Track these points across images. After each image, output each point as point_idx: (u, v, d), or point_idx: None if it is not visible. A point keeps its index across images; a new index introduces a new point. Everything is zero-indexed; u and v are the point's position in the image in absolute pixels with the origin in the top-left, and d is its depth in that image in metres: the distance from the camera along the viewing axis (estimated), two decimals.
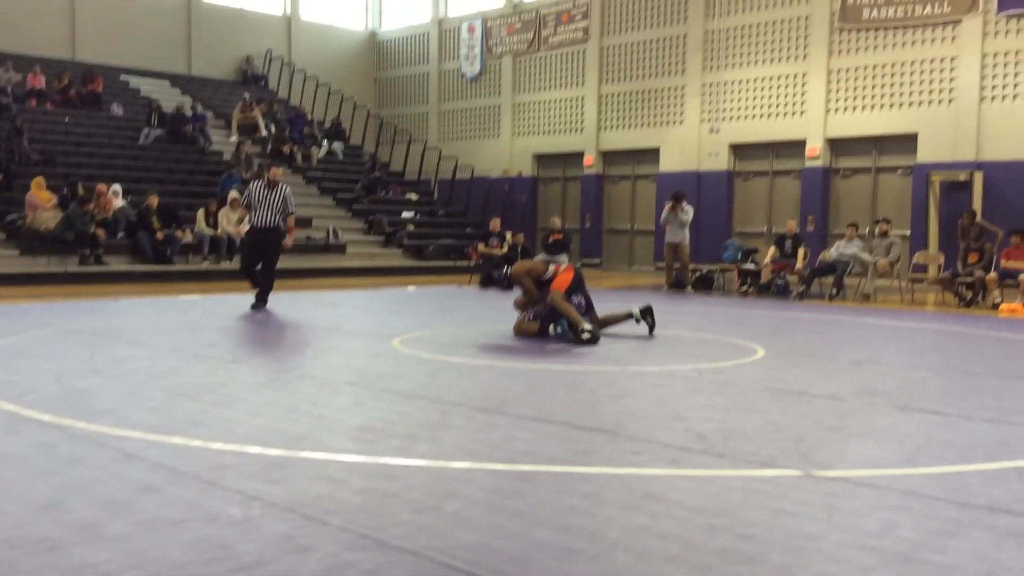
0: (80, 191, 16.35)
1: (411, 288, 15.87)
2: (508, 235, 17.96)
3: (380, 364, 7.23)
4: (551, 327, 8.77)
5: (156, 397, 5.63)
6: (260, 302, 11.29)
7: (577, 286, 8.95)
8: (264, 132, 23.40)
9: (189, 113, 22.41)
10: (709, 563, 3.00)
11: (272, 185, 11.16)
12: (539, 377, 6.78)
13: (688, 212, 16.09)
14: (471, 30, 26.73)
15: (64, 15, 24.27)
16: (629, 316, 9.11)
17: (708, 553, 3.10)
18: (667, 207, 16.25)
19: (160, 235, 16.52)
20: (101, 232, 16.05)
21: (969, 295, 13.79)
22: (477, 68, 26.69)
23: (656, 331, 9.10)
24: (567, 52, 24.55)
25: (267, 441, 4.52)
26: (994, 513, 3.53)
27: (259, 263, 11.38)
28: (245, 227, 12.02)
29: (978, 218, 15.46)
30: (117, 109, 22.53)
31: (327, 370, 6.93)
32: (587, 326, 8.49)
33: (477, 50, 26.60)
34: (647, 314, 9.06)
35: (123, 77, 24.70)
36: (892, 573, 2.92)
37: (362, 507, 3.52)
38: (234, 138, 22.58)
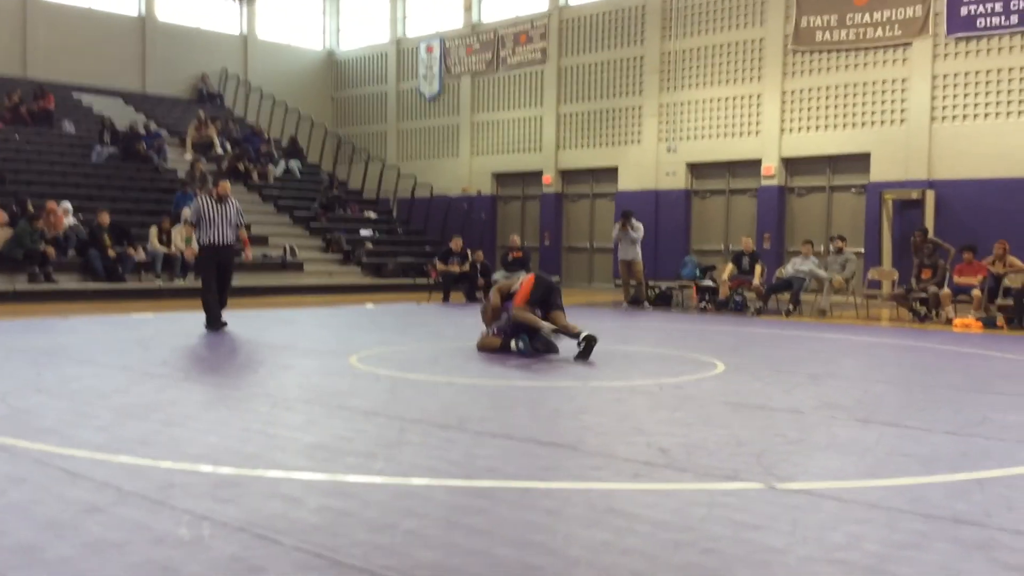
0: (29, 208, 16.01)
1: (370, 305, 15.71)
2: (469, 253, 17.88)
3: (336, 381, 7.10)
4: (512, 342, 8.71)
5: (103, 416, 5.46)
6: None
7: (541, 296, 8.84)
8: (219, 150, 23.14)
9: (143, 131, 22.09)
10: None
11: (223, 200, 10.96)
12: (499, 393, 6.69)
13: (639, 230, 16.16)
14: (429, 50, 26.73)
15: (15, 31, 23.86)
16: (576, 335, 8.51)
17: (672, 569, 3.03)
18: (617, 226, 16.35)
19: (112, 253, 16.21)
20: (51, 250, 15.71)
21: (923, 310, 13.96)
22: (436, 88, 26.67)
23: (612, 349, 9.04)
24: (526, 72, 24.62)
25: (218, 459, 4.38)
26: (958, 525, 3.51)
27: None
28: (194, 245, 11.52)
29: (930, 235, 15.69)
30: (69, 127, 22.15)
31: (281, 388, 6.78)
32: (564, 331, 8.48)
33: (436, 70, 26.59)
34: (587, 341, 8.39)
35: (75, 95, 24.31)
36: None
37: (317, 526, 3.41)
38: (188, 156, 22.30)
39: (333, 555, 3.09)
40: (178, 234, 17.07)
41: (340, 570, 2.96)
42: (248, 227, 11.30)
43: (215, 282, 11.02)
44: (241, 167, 22.47)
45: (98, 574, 2.90)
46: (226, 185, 11.19)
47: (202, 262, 11.19)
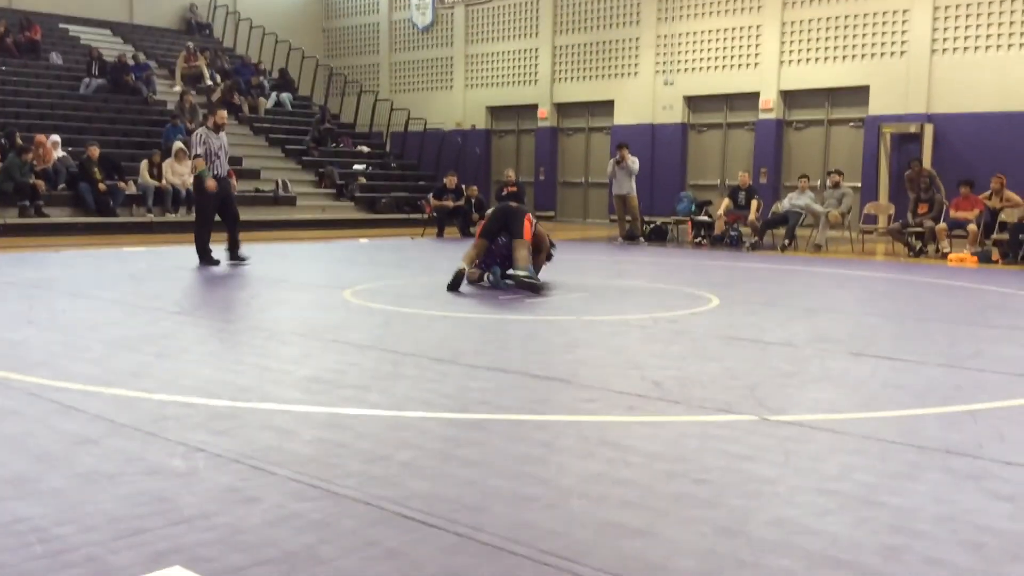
0: (18, 141, 15.81)
1: (363, 240, 15.65)
2: (464, 188, 17.74)
3: (330, 315, 7.08)
4: (484, 275, 8.79)
5: (95, 349, 5.44)
6: (238, 256, 10.86)
7: (499, 225, 8.85)
8: (209, 82, 22.80)
9: (131, 62, 21.73)
10: (666, 508, 2.95)
11: (219, 129, 10.77)
12: (493, 327, 6.69)
13: (634, 163, 16.01)
14: None
15: None
16: (527, 277, 8.52)
17: (665, 498, 3.04)
18: (611, 162, 16.23)
19: (102, 186, 16.06)
20: (41, 183, 15.55)
21: (919, 245, 13.95)
22: (429, 18, 26.19)
23: (606, 284, 9.03)
24: (520, 2, 24.16)
25: (212, 392, 4.37)
26: (951, 456, 3.52)
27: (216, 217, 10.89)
28: (190, 178, 11.27)
29: (926, 165, 15.58)
30: (56, 58, 21.75)
31: (275, 321, 6.76)
32: (521, 273, 8.45)
33: None
34: (516, 280, 8.48)
35: (62, 25, 23.83)
36: (851, 516, 2.89)
37: (312, 457, 3.41)
38: (178, 88, 21.97)
39: (327, 486, 3.10)
40: (169, 168, 16.86)
41: (334, 500, 2.97)
42: (239, 161, 11.12)
43: (213, 218, 10.84)
44: (235, 99, 22.15)
45: (91, 504, 2.90)
46: (223, 113, 10.96)
47: (206, 196, 10.65)
